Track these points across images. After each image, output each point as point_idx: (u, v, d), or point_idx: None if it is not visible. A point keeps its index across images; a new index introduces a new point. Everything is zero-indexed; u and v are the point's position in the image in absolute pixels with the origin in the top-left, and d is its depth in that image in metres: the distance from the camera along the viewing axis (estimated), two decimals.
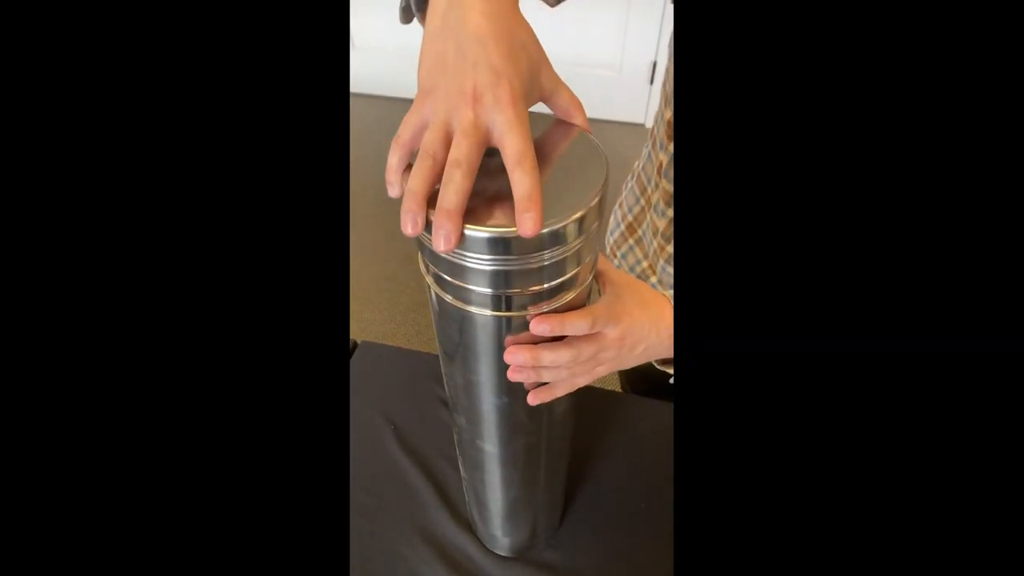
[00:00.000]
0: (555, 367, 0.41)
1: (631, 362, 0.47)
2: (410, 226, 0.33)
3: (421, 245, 0.37)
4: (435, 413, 0.80)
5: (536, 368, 0.41)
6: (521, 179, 0.32)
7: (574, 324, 0.40)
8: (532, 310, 0.38)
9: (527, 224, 0.32)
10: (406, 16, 0.43)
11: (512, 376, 0.42)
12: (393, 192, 0.36)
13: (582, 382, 0.45)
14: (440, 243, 0.32)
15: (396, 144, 0.36)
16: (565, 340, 0.42)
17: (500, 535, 0.65)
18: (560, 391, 0.45)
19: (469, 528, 0.69)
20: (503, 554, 0.68)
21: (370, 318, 1.84)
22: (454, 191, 0.32)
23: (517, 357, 0.40)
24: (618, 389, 1.01)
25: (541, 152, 0.36)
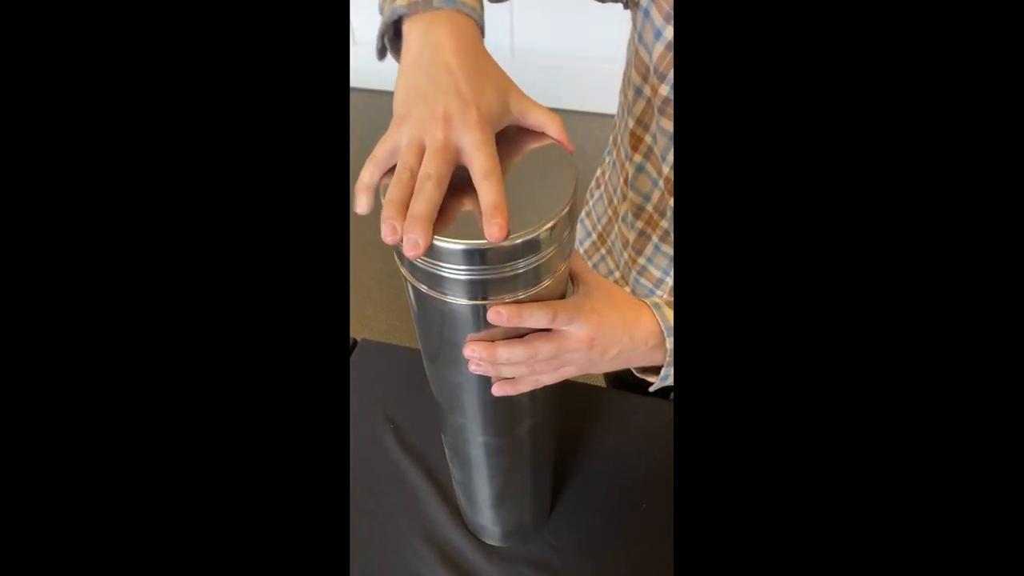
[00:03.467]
0: (512, 364, 0.42)
1: (605, 366, 0.46)
2: (389, 234, 0.35)
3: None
4: (435, 412, 0.79)
5: (493, 364, 0.42)
6: (488, 191, 0.35)
7: (533, 315, 0.40)
8: (508, 298, 0.39)
9: (494, 230, 0.34)
10: (381, 55, 0.47)
11: (473, 369, 0.43)
12: (360, 208, 0.38)
13: (547, 380, 0.45)
14: (409, 249, 0.34)
15: (370, 161, 0.39)
16: (524, 338, 0.42)
17: (490, 524, 0.65)
18: (524, 387, 0.45)
19: (468, 527, 0.69)
20: (494, 543, 0.68)
21: (372, 315, 1.84)
22: (424, 200, 0.35)
23: (474, 351, 0.41)
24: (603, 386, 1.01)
25: (511, 164, 0.40)
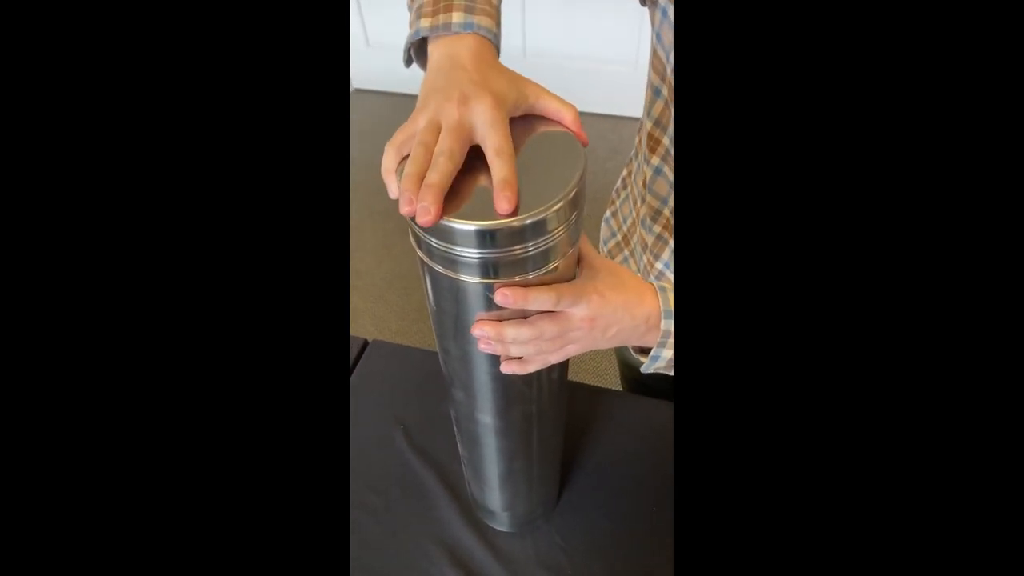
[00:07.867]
0: (518, 343, 0.43)
1: (605, 344, 0.48)
2: (405, 204, 0.36)
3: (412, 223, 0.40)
4: (445, 412, 0.80)
5: (502, 343, 0.43)
6: (500, 167, 0.37)
7: (538, 298, 0.41)
8: (519, 279, 0.40)
9: (503, 203, 0.36)
10: (407, 64, 0.50)
11: (481, 348, 0.44)
12: (392, 193, 0.40)
13: (554, 359, 0.47)
14: (420, 216, 0.36)
15: (389, 146, 0.41)
16: (529, 319, 0.43)
17: (499, 510, 0.66)
18: (532, 366, 0.46)
19: (478, 528, 0.70)
20: (503, 529, 0.69)
21: (383, 315, 1.85)
22: (438, 172, 0.37)
23: (483, 330, 0.42)
24: (618, 388, 1.00)
25: (521, 149, 0.41)
